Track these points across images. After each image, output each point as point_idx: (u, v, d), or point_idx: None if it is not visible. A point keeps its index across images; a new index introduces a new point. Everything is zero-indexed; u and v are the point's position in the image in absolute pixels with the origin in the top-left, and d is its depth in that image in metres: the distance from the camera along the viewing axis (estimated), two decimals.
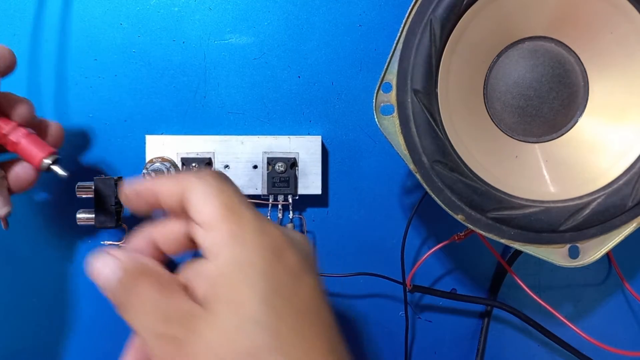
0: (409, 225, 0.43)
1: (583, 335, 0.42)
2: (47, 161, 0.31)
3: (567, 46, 0.37)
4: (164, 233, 0.28)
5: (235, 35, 0.43)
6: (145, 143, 0.41)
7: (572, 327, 0.42)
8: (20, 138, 0.31)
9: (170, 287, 0.25)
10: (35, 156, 0.31)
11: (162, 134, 0.43)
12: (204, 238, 0.25)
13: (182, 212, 0.27)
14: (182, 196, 0.26)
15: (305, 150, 0.42)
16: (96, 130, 0.42)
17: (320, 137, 0.42)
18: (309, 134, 0.44)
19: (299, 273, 0.25)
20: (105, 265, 0.25)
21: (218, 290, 0.24)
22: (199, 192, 0.26)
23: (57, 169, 0.31)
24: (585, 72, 0.37)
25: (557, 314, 0.42)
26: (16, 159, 0.33)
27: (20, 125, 0.32)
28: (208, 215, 0.25)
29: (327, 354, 0.24)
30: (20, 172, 0.33)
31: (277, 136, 0.42)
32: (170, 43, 0.42)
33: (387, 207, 0.45)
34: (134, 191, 0.28)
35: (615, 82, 0.36)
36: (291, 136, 0.42)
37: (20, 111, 0.32)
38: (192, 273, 0.26)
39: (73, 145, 0.42)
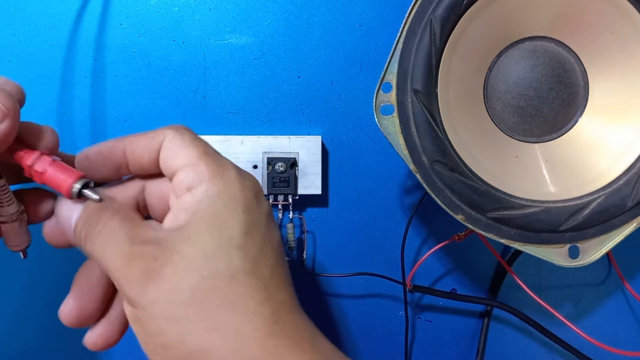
0: (409, 225, 0.43)
1: (583, 335, 0.42)
2: (77, 186, 0.28)
3: (567, 46, 0.37)
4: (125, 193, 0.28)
5: (235, 35, 0.43)
6: None
7: (572, 327, 0.42)
8: (46, 167, 0.28)
9: (140, 221, 0.26)
10: (63, 184, 0.28)
11: None
12: (182, 178, 0.25)
13: (153, 170, 0.27)
14: (159, 148, 0.26)
15: (305, 150, 0.42)
16: (96, 130, 0.42)
17: (320, 137, 0.42)
18: (309, 134, 0.44)
19: (272, 220, 0.27)
20: (69, 206, 0.27)
21: (198, 215, 0.25)
22: (177, 140, 0.26)
23: (88, 193, 0.28)
24: (585, 72, 0.37)
25: (557, 314, 0.42)
26: (33, 188, 0.31)
27: (44, 153, 0.30)
28: (189, 157, 0.26)
29: (293, 294, 0.26)
30: (40, 202, 0.30)
31: (277, 136, 0.42)
32: (170, 43, 0.42)
33: (387, 207, 0.45)
34: (97, 153, 0.27)
35: (615, 82, 0.36)
36: (291, 136, 0.42)
37: (46, 142, 0.30)
38: (165, 209, 0.27)
39: (73, 146, 0.42)
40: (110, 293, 0.29)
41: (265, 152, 0.42)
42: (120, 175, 0.28)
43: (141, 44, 0.42)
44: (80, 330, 0.43)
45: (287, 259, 0.29)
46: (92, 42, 0.42)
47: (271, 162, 0.41)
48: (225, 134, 0.43)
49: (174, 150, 0.26)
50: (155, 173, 0.28)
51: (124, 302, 0.25)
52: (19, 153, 0.28)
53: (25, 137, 0.29)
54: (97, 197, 0.27)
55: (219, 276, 0.24)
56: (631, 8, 0.34)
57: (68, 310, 0.28)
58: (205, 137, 0.41)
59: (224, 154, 0.41)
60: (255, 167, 0.42)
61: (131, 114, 0.43)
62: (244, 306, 0.23)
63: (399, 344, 0.46)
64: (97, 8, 0.42)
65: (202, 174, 0.25)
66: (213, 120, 0.43)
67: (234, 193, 0.25)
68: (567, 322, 0.42)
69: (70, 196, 0.28)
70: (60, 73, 0.42)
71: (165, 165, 0.26)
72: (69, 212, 0.27)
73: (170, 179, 0.26)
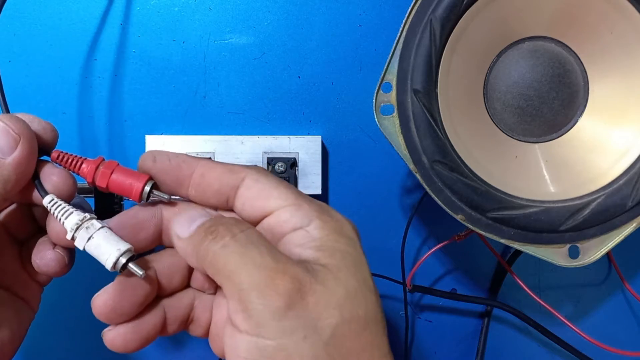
0: (409, 225, 0.43)
1: (583, 335, 0.43)
2: (147, 188, 0.27)
3: (567, 46, 0.37)
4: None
5: (235, 35, 0.43)
6: (145, 143, 0.41)
7: (572, 327, 0.42)
8: (111, 169, 0.28)
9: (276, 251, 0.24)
10: (134, 187, 0.27)
11: (162, 134, 0.43)
12: (287, 218, 0.25)
13: (214, 201, 0.26)
14: (238, 185, 0.26)
15: (305, 150, 0.42)
16: (96, 130, 0.42)
17: (320, 137, 0.42)
18: (309, 134, 0.44)
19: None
20: (190, 219, 0.25)
21: (337, 254, 0.24)
22: (263, 180, 0.26)
23: (159, 194, 0.27)
24: (585, 72, 0.37)
25: (557, 314, 0.42)
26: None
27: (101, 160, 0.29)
28: (286, 197, 0.25)
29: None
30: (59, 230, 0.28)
31: (277, 136, 0.42)
32: (170, 43, 0.42)
33: (387, 207, 0.45)
34: (167, 158, 0.27)
35: (615, 82, 0.36)
36: (291, 136, 0.42)
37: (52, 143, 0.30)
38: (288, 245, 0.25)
39: (72, 146, 0.42)
40: (151, 298, 0.27)
41: (265, 152, 0.42)
42: (175, 193, 0.27)
43: (141, 44, 0.42)
44: (82, 330, 0.43)
45: None
46: (92, 42, 0.42)
47: (271, 162, 0.41)
48: (225, 134, 0.43)
49: (265, 190, 0.25)
50: (212, 204, 0.27)
51: (232, 323, 0.23)
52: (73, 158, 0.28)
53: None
54: (167, 197, 0.27)
55: (357, 320, 0.23)
56: (631, 8, 0.34)
57: (104, 300, 0.26)
58: (205, 137, 0.41)
59: (224, 154, 0.41)
60: None
61: (131, 114, 0.43)
62: (370, 356, 0.22)
63: (399, 344, 0.46)
64: (97, 8, 0.42)
65: (309, 212, 0.25)
66: (213, 120, 0.43)
67: (351, 231, 0.25)
68: (567, 322, 0.42)
69: (140, 199, 0.27)
70: (60, 73, 0.42)
71: (252, 204, 0.26)
72: (191, 214, 0.26)
73: (257, 220, 0.26)
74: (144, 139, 0.41)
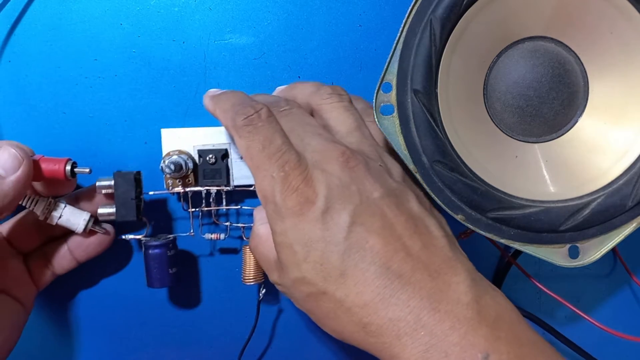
0: None
1: (593, 321, 0.41)
2: (68, 167, 0.36)
3: (567, 46, 0.37)
4: None
5: (235, 35, 0.43)
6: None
7: (582, 314, 0.41)
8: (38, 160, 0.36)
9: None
10: (58, 166, 0.36)
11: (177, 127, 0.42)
12: None
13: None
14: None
15: None
16: (96, 131, 0.43)
17: None
18: None
19: None
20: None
21: None
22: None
23: (80, 169, 0.37)
24: (585, 72, 0.37)
25: (565, 302, 0.41)
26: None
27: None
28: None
29: None
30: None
31: None
32: (170, 43, 0.42)
33: None
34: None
35: (615, 82, 0.36)
36: None
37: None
38: None
39: (72, 146, 0.42)
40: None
41: None
42: None
43: (141, 44, 0.42)
44: (86, 330, 0.43)
45: None
46: (92, 42, 0.42)
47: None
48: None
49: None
50: None
51: None
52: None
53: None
54: (87, 169, 0.37)
55: None
56: (631, 8, 0.34)
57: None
58: (220, 129, 0.41)
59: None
60: None
61: (131, 114, 0.43)
62: None
63: None
64: (97, 8, 0.42)
65: None
66: (213, 120, 0.43)
67: None
68: (578, 311, 0.42)
69: (65, 176, 0.36)
70: (60, 73, 0.42)
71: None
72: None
73: None
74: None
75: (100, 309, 0.44)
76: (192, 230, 0.41)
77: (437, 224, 0.30)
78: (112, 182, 0.38)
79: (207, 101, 0.36)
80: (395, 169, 0.32)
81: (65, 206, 0.37)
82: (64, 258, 0.39)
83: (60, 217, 0.37)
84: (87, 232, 0.38)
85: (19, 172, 0.32)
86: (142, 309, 0.44)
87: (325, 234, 0.27)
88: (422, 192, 0.32)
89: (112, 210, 0.38)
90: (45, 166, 0.35)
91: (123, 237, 0.41)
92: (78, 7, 0.42)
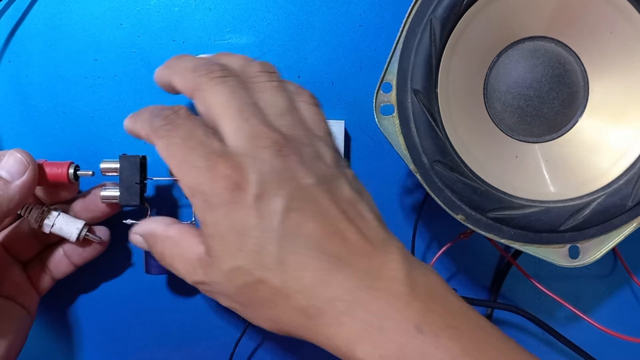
0: (415, 230, 0.43)
1: (593, 323, 0.41)
2: (71, 171, 0.36)
3: (567, 46, 0.37)
4: None
5: (235, 35, 0.43)
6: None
7: (581, 315, 0.41)
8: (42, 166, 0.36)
9: None
10: (61, 170, 0.36)
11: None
12: None
13: None
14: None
15: None
16: (96, 131, 0.42)
17: (343, 121, 0.41)
18: None
19: None
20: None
21: None
22: None
23: (83, 172, 0.38)
24: (585, 72, 0.37)
25: (564, 303, 0.41)
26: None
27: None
28: None
29: None
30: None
31: None
32: (170, 43, 0.42)
33: (387, 207, 0.45)
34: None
35: (615, 82, 0.36)
36: None
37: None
38: None
39: (72, 146, 0.42)
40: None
41: None
42: None
43: (141, 44, 0.42)
44: (91, 329, 0.42)
45: None
46: (92, 42, 0.42)
47: None
48: None
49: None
50: None
51: None
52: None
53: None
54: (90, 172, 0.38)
55: None
56: (631, 8, 0.34)
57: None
58: None
59: None
60: None
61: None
62: None
63: None
64: (97, 8, 0.42)
65: None
66: None
67: None
68: (578, 312, 0.42)
69: (68, 178, 0.36)
70: (60, 73, 0.42)
71: None
72: None
73: None
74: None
75: (100, 309, 0.44)
76: (193, 219, 0.42)
77: (369, 207, 0.30)
78: (118, 165, 0.38)
79: (126, 123, 0.34)
80: (327, 153, 0.30)
81: (58, 214, 0.37)
82: (62, 263, 0.39)
83: (53, 226, 0.37)
84: (82, 241, 0.38)
85: (24, 177, 0.33)
86: (141, 307, 0.44)
87: (260, 221, 0.27)
88: (352, 174, 0.32)
89: (116, 193, 0.38)
90: (48, 170, 0.36)
91: (124, 222, 0.41)
92: (78, 7, 0.42)
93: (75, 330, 0.44)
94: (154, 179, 0.41)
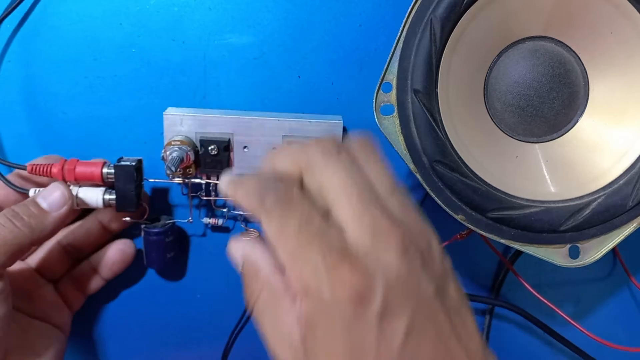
0: None
1: (585, 332, 0.42)
2: (105, 170, 0.38)
3: (567, 46, 0.37)
4: None
5: (235, 35, 0.43)
6: (161, 138, 0.42)
7: (575, 324, 0.42)
8: (74, 165, 0.38)
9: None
10: (95, 172, 0.38)
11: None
12: None
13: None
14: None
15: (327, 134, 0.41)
16: (96, 131, 0.42)
17: (341, 120, 0.41)
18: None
19: None
20: None
21: None
22: None
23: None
24: (586, 72, 0.37)
25: (559, 311, 0.42)
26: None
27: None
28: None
29: None
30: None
31: (299, 120, 0.41)
32: (170, 43, 0.42)
33: None
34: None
35: (616, 82, 0.36)
36: (312, 119, 0.41)
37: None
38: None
39: (72, 146, 0.42)
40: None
41: (285, 135, 0.41)
42: None
43: (141, 44, 0.42)
44: (98, 328, 0.42)
45: None
46: (92, 41, 0.42)
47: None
48: None
49: None
50: None
51: None
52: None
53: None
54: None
55: None
56: (631, 8, 0.34)
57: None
58: (224, 117, 0.40)
59: (243, 135, 0.40)
60: (274, 149, 0.41)
61: (131, 114, 0.43)
62: None
63: None
64: (97, 8, 0.42)
65: None
66: None
67: None
68: (570, 320, 0.42)
69: (102, 179, 0.38)
70: (60, 73, 0.42)
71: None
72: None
73: None
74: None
75: (99, 309, 0.44)
76: (190, 218, 0.42)
77: (468, 308, 0.27)
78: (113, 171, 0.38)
79: (224, 186, 0.29)
80: (433, 239, 0.27)
81: (78, 188, 0.38)
82: (92, 278, 0.41)
83: (77, 197, 0.38)
84: (112, 253, 0.40)
85: (62, 210, 0.35)
86: (141, 307, 0.44)
87: (379, 343, 0.23)
88: (448, 258, 0.28)
89: (113, 197, 0.39)
90: (80, 170, 0.37)
91: (123, 219, 0.41)
92: (78, 7, 0.42)
93: (75, 330, 0.43)
94: (151, 180, 0.41)
